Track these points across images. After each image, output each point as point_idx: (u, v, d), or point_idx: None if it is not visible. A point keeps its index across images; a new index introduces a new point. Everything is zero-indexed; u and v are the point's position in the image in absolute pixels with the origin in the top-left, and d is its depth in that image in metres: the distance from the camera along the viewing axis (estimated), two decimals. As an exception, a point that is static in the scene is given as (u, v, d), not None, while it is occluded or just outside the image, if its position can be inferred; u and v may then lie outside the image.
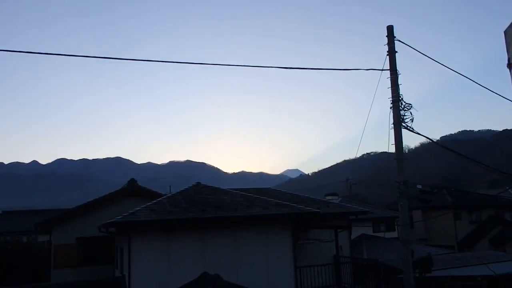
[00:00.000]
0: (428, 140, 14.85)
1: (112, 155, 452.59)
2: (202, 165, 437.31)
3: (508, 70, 8.22)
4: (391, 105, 11.60)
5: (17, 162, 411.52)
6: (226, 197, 15.70)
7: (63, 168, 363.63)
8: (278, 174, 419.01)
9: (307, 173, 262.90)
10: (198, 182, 17.55)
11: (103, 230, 14.70)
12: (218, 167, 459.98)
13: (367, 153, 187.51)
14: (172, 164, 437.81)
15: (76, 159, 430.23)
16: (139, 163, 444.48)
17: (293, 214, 14.78)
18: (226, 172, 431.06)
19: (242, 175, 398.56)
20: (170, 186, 42.34)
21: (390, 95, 11.63)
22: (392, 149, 11.61)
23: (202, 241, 13.83)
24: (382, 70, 11.73)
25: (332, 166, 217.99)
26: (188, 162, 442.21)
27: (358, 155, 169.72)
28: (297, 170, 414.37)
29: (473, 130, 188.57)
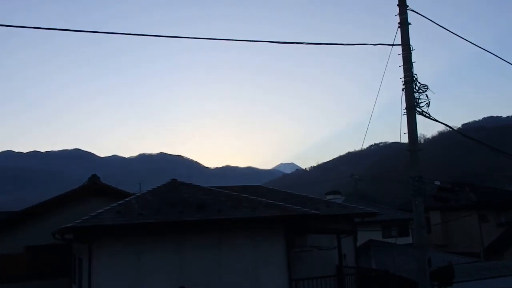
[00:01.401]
0: (448, 128, 14.95)
1: (69, 147, 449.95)
2: (179, 158, 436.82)
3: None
4: (403, 87, 11.62)
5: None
6: (208, 196, 15.73)
7: (9, 162, 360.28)
8: (270, 169, 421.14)
9: (304, 167, 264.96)
10: (173, 179, 17.60)
11: (58, 237, 14.65)
12: (197, 161, 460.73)
13: (375, 144, 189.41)
14: (143, 158, 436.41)
15: (25, 152, 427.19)
16: (102, 156, 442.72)
17: (287, 217, 14.85)
18: (207, 167, 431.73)
19: (227, 170, 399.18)
20: (140, 183, 42.22)
21: (401, 74, 11.65)
22: (404, 139, 11.67)
23: (178, 249, 13.85)
24: (393, 45, 11.74)
25: (333, 159, 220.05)
26: (162, 155, 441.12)
27: (365, 146, 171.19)
28: (292, 164, 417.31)
29: (501, 116, 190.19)
